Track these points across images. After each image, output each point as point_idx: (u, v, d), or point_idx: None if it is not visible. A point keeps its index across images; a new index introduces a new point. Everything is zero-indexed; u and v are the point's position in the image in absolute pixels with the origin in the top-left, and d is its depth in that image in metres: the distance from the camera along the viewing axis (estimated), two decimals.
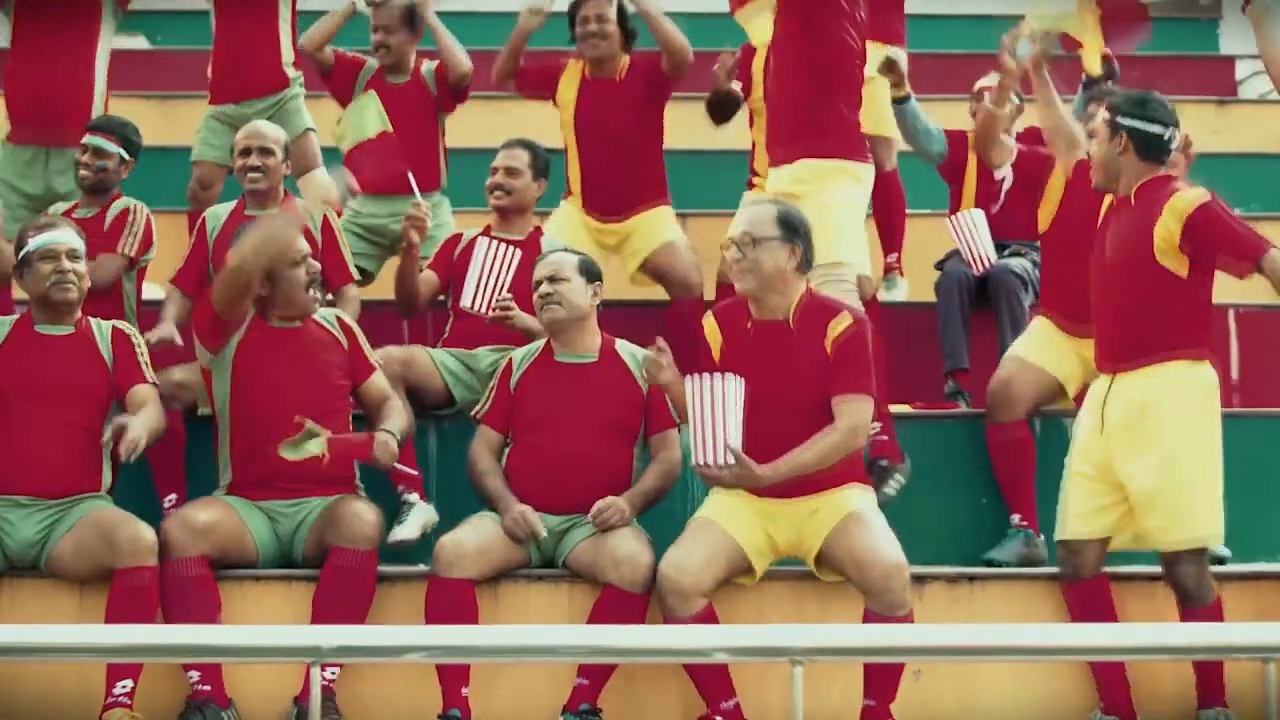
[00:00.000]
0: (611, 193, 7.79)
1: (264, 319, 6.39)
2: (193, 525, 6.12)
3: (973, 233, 7.93)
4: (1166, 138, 6.20)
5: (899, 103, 7.45)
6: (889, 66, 7.26)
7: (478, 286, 6.90)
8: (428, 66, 8.22)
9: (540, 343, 6.61)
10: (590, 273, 6.56)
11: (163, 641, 4.13)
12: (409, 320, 7.67)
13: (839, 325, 6.13)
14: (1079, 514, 6.23)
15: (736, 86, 7.72)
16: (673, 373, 6.11)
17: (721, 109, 7.80)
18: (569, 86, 7.90)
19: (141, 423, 6.08)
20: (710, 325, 6.32)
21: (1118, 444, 6.15)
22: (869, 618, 5.99)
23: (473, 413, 6.63)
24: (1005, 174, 7.21)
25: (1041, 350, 7.01)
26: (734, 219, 6.28)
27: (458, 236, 7.44)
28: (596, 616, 6.12)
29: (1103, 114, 6.30)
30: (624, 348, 6.55)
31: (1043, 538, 6.92)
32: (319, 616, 6.08)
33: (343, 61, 8.31)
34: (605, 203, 7.82)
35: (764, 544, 6.17)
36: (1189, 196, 6.08)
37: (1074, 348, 6.93)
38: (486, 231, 7.37)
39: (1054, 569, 6.47)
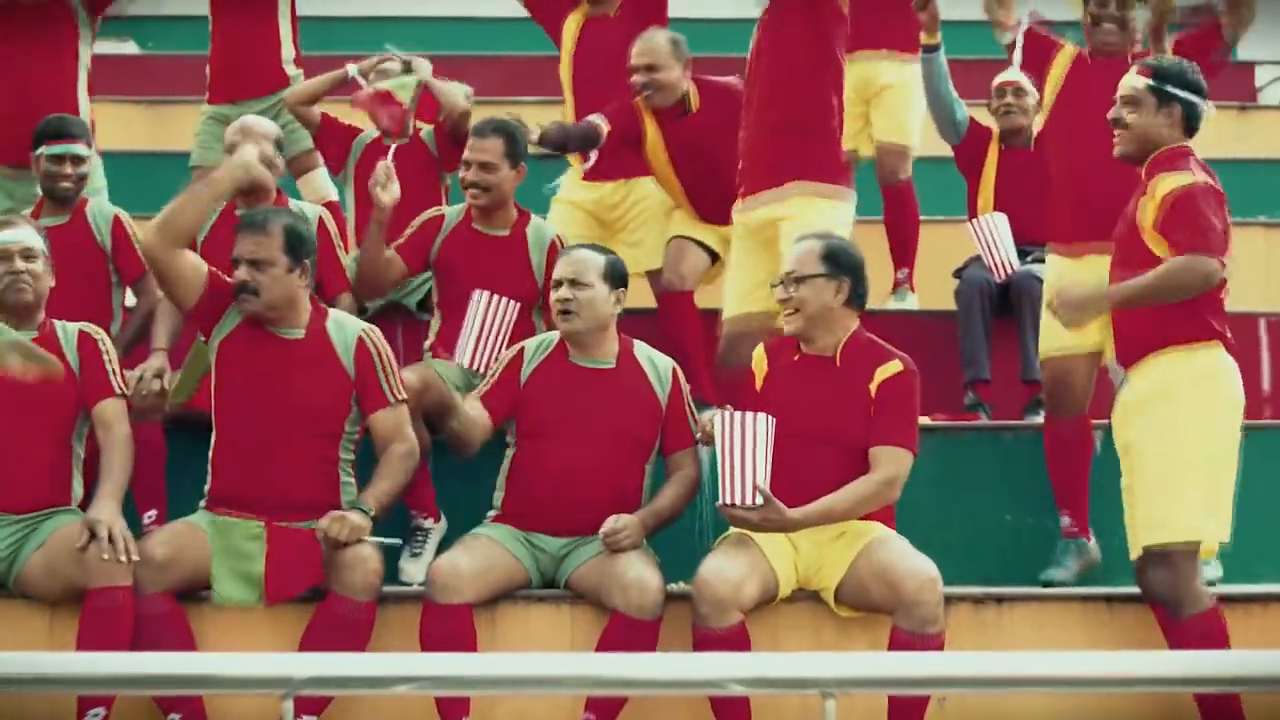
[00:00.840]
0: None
1: (259, 322, 5.88)
2: (151, 561, 5.66)
3: (995, 237, 7.60)
4: (1202, 110, 5.82)
5: (929, 50, 7.13)
6: (923, 5, 6.86)
7: (477, 344, 6.40)
8: (426, 130, 7.74)
9: (555, 336, 6.11)
10: (616, 276, 6.05)
11: (122, 672, 3.67)
12: (372, 298, 7.15)
13: (887, 370, 5.78)
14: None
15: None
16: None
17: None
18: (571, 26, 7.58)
19: (108, 510, 5.61)
20: (759, 356, 5.99)
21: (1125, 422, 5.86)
22: (897, 636, 5.57)
23: (473, 394, 6.10)
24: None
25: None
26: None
27: (438, 220, 6.85)
28: (604, 646, 5.68)
29: (1144, 80, 5.82)
30: (643, 353, 6.10)
31: (1094, 543, 6.50)
32: None
33: (332, 125, 7.81)
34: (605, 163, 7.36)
35: (792, 567, 5.78)
36: (1176, 180, 5.68)
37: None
38: (467, 220, 6.85)
39: (1084, 589, 6.16)
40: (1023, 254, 7.59)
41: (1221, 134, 9.43)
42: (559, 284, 5.99)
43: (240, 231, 5.89)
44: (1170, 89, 5.77)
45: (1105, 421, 6.38)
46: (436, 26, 11.81)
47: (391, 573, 6.09)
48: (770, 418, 5.53)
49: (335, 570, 5.65)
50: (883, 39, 8.05)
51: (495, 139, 6.76)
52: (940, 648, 5.54)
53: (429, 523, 6.43)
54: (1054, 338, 6.42)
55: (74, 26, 7.72)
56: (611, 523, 5.78)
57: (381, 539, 5.73)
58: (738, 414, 5.51)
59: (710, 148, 7.14)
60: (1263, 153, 10.14)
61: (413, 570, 6.31)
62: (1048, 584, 6.37)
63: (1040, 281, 7.39)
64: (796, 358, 5.89)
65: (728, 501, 5.54)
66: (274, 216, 5.93)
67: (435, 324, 6.86)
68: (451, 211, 6.88)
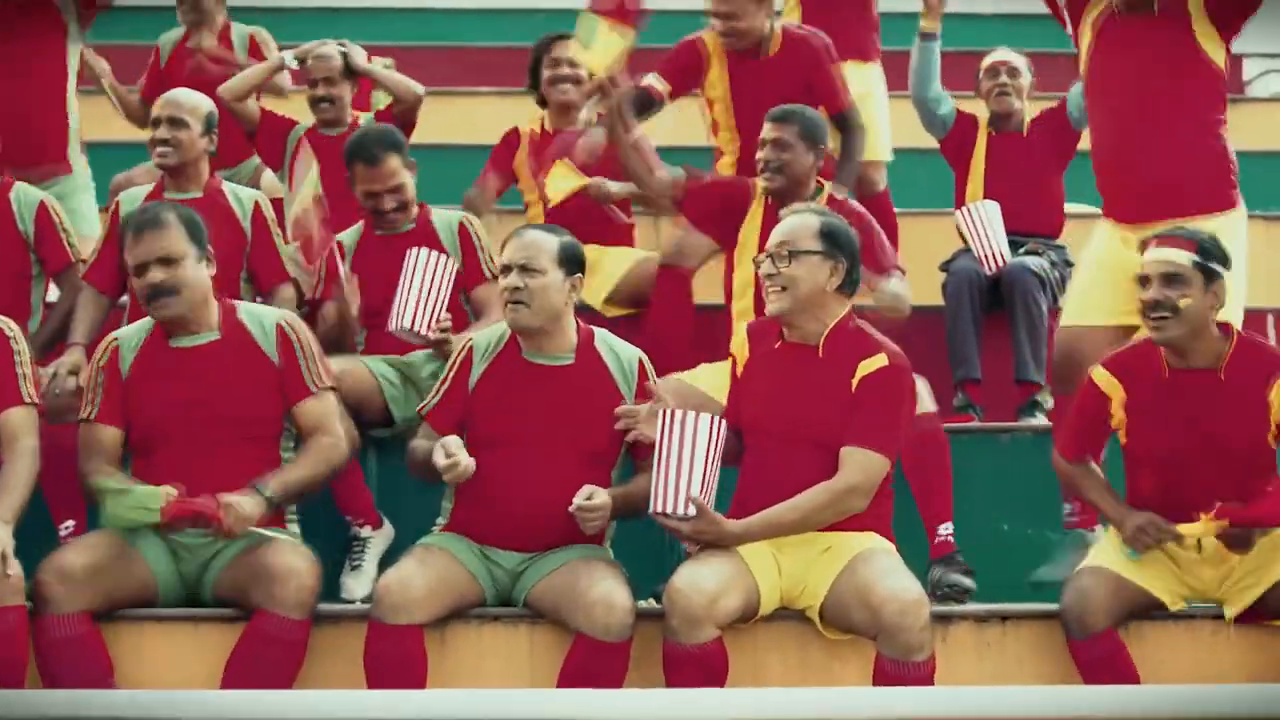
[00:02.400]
0: None
1: (167, 333, 5.26)
2: (70, 574, 4.99)
3: (985, 227, 7.07)
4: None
5: (926, 38, 6.76)
6: None
7: (417, 304, 5.78)
8: (366, 119, 7.24)
9: (506, 331, 5.38)
10: (571, 261, 5.31)
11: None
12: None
13: (872, 364, 5.13)
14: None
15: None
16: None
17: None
18: None
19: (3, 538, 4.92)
20: (739, 339, 5.37)
21: None
22: (880, 666, 4.94)
23: (419, 408, 5.46)
24: None
25: (1102, 293, 5.79)
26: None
27: (338, 248, 6.25)
28: (568, 674, 5.03)
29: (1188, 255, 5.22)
30: (605, 344, 5.38)
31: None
32: (231, 687, 4.95)
33: (270, 120, 7.24)
34: None
35: (776, 582, 5.14)
36: None
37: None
38: (368, 229, 6.31)
39: None
40: (1014, 244, 7.07)
41: None
42: (507, 269, 5.29)
43: (137, 232, 5.27)
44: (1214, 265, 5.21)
45: None
46: (390, 18, 11.28)
47: (330, 589, 5.41)
48: (717, 419, 4.97)
49: (263, 584, 5.00)
50: (839, 48, 7.33)
51: (393, 158, 6.26)
52: (929, 677, 4.91)
53: (367, 531, 5.79)
54: (1078, 311, 5.82)
55: (62, 27, 7.12)
56: (585, 494, 5.09)
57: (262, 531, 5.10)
58: (677, 413, 4.94)
59: (778, 93, 6.55)
60: (1254, 145, 9.43)
61: (354, 586, 5.67)
62: (1037, 585, 5.77)
63: (1033, 274, 6.99)
64: (778, 345, 5.25)
65: (659, 509, 4.97)
66: (164, 209, 5.32)
67: (360, 337, 6.24)
68: (347, 236, 6.32)
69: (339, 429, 5.29)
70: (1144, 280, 5.20)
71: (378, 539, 5.77)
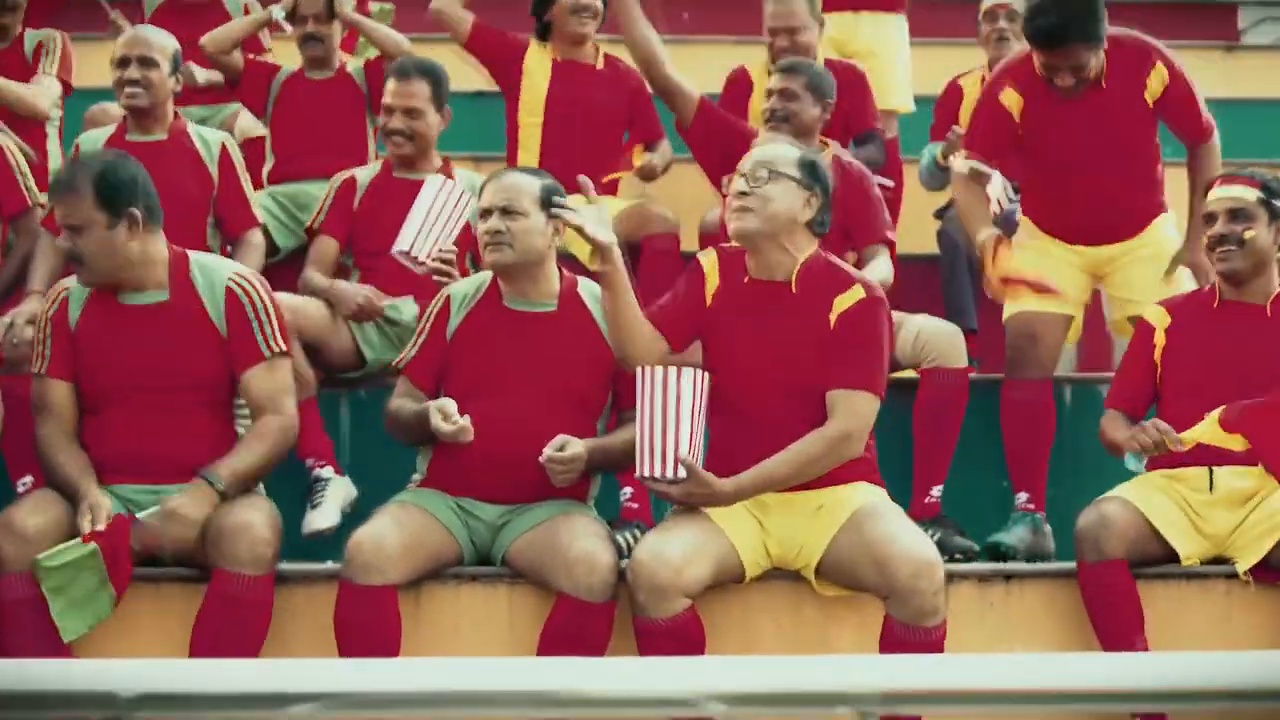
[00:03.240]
0: None
1: (108, 292, 4.91)
2: (22, 533, 4.67)
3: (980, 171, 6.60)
4: None
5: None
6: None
7: (420, 228, 5.42)
8: (355, 64, 6.87)
9: (486, 279, 5.08)
10: (553, 202, 4.99)
11: None
12: None
13: (849, 298, 4.75)
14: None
15: None
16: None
17: None
18: None
19: None
20: (710, 261, 4.92)
21: None
22: (890, 630, 4.63)
23: (394, 362, 5.14)
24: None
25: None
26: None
27: (350, 182, 5.94)
28: (549, 637, 4.72)
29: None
30: (589, 292, 5.05)
31: (1049, 528, 5.61)
32: (198, 655, 4.65)
33: (254, 67, 6.88)
34: None
35: (759, 545, 4.81)
36: None
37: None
38: (387, 169, 5.98)
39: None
40: (1015, 190, 6.57)
41: (1207, 75, 8.65)
42: (487, 213, 4.97)
43: (51, 194, 4.99)
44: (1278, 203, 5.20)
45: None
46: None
47: (292, 537, 5.09)
48: (702, 374, 4.62)
49: (216, 542, 4.68)
50: None
51: (421, 82, 5.89)
52: (939, 644, 4.60)
53: (328, 471, 5.46)
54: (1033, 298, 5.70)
55: None
56: (556, 444, 4.77)
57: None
58: (658, 370, 4.58)
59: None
60: (1250, 93, 9.32)
61: (316, 519, 5.33)
62: (995, 549, 5.47)
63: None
64: (746, 281, 4.85)
65: (645, 474, 4.62)
66: (81, 170, 4.92)
67: (353, 277, 5.91)
68: (363, 172, 6.00)
69: (291, 406, 4.93)
70: (1210, 217, 5.18)
71: (338, 482, 5.44)
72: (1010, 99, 5.66)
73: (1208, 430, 4.93)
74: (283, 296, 5.31)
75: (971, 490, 5.75)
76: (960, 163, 5.71)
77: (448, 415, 4.74)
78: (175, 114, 6.01)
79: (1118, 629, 4.90)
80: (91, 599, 4.61)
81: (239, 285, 4.91)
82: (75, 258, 4.85)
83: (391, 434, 5.02)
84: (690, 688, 2.67)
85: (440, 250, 5.44)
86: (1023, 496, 5.64)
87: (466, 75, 7.09)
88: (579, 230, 4.64)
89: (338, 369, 5.71)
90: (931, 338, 5.53)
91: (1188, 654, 4.45)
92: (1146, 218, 5.73)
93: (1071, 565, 5.01)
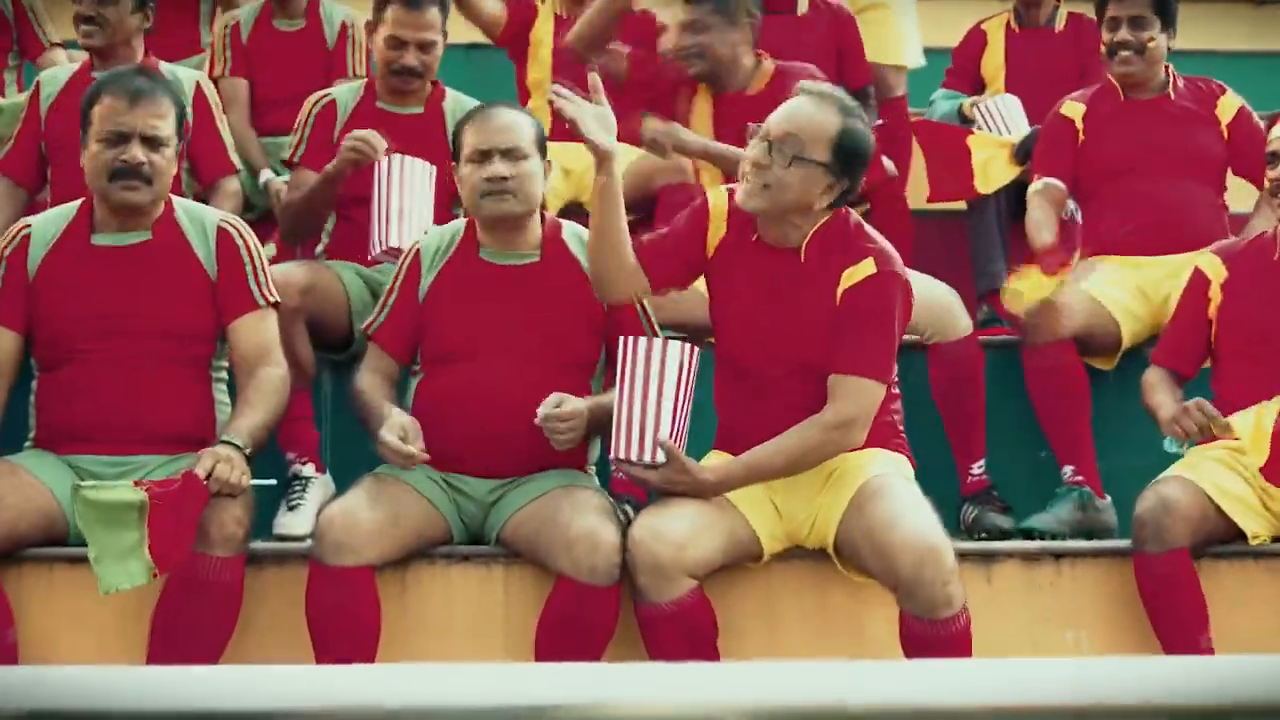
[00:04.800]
0: None
1: (88, 229, 4.34)
2: None
3: (1003, 121, 6.13)
4: None
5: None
6: None
7: (400, 220, 4.76)
8: (329, 9, 6.26)
9: (458, 230, 4.51)
10: (544, 144, 4.47)
11: None
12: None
13: (858, 272, 4.14)
14: None
15: None
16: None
17: None
18: None
19: None
20: (719, 205, 4.28)
21: None
22: (907, 624, 4.04)
23: (363, 327, 4.56)
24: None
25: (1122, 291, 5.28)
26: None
27: (331, 107, 5.24)
28: (548, 623, 4.15)
29: None
30: (574, 236, 4.48)
31: (1108, 499, 5.02)
32: (160, 645, 4.09)
33: None
34: None
35: (776, 519, 4.23)
36: None
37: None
38: (369, 95, 5.28)
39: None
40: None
41: (1235, 30, 8.54)
42: (487, 155, 4.38)
43: (132, 98, 4.30)
44: None
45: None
46: None
47: (263, 528, 4.49)
48: (691, 348, 4.04)
49: None
50: None
51: (434, 9, 5.23)
52: (964, 634, 4.00)
53: (309, 469, 4.85)
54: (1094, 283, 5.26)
55: None
56: (553, 401, 4.18)
57: (256, 480, 4.14)
58: (640, 340, 4.01)
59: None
60: (1278, 46, 8.75)
61: (291, 523, 4.74)
62: (1028, 534, 4.88)
63: None
64: (754, 238, 4.25)
65: (621, 455, 4.05)
66: (161, 85, 4.39)
67: (328, 225, 5.27)
68: (341, 93, 5.32)
69: (283, 358, 4.37)
70: (1273, 157, 4.72)
71: (319, 482, 4.85)
72: (1071, 109, 5.50)
73: (1258, 433, 4.37)
74: (294, 269, 4.81)
75: (1014, 469, 5.19)
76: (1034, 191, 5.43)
77: (400, 442, 4.12)
78: (145, 51, 5.45)
79: (1180, 627, 4.34)
80: (131, 556, 3.93)
81: (233, 227, 4.38)
82: (140, 175, 4.25)
83: (356, 412, 4.43)
84: (707, 700, 2.09)
85: (425, 231, 4.80)
86: (1068, 470, 5.08)
87: (459, 28, 6.53)
88: (574, 125, 4.07)
89: (324, 345, 5.08)
90: (923, 313, 4.80)
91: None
92: (1208, 237, 5.15)
93: (1127, 543, 4.43)
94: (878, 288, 4.14)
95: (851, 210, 4.26)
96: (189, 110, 5.21)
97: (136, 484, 3.96)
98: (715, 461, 4.19)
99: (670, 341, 4.03)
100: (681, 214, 4.36)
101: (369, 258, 4.86)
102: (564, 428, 4.16)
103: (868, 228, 4.25)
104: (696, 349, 4.06)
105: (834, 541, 4.16)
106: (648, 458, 4.03)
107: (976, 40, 6.68)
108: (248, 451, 4.12)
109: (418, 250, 4.46)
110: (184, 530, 3.94)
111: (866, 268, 4.14)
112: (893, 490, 4.10)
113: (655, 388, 4.00)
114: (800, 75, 5.14)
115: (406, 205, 4.78)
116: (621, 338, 4.06)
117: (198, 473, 3.98)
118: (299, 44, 6.15)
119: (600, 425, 4.26)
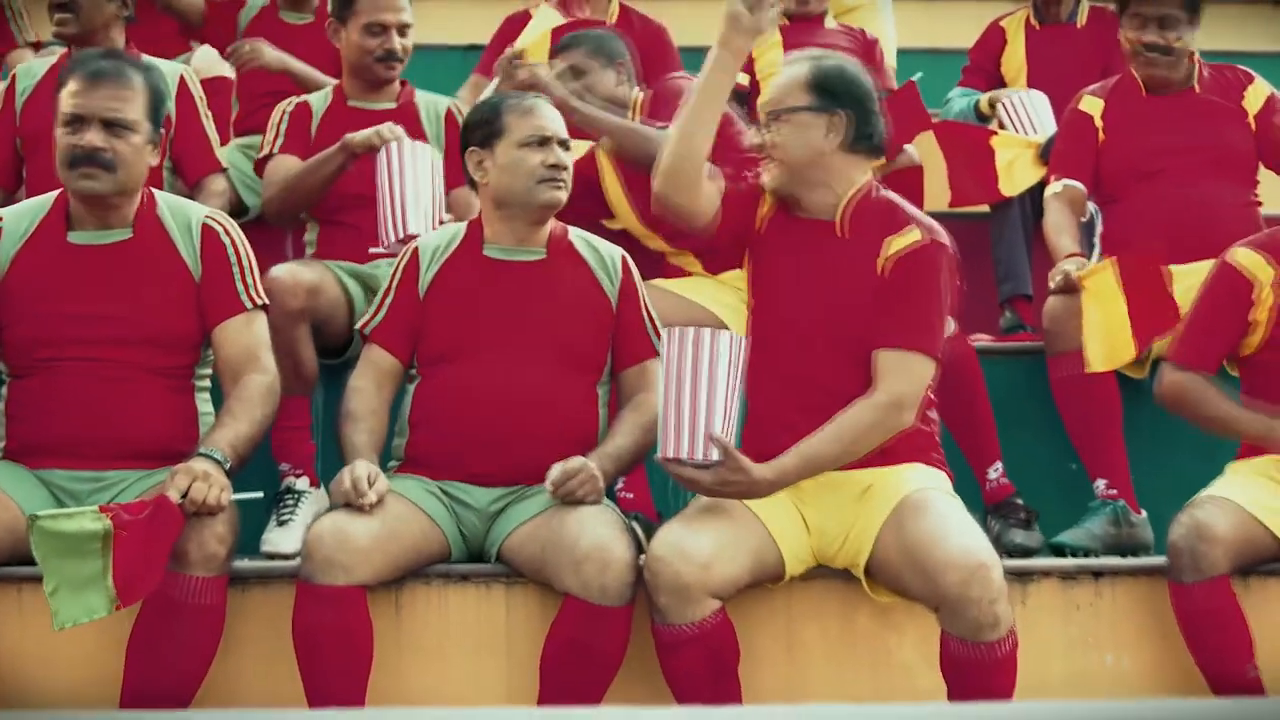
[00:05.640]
0: None
1: (64, 225, 4.04)
2: None
3: (1030, 119, 5.90)
4: None
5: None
6: None
7: (416, 207, 4.50)
8: None
9: (460, 228, 4.23)
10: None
11: None
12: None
13: (902, 240, 3.91)
14: None
15: None
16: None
17: None
18: None
19: None
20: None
21: None
22: (948, 647, 3.76)
23: (360, 325, 4.25)
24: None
25: None
26: None
27: (304, 109, 5.02)
28: (554, 648, 3.84)
29: None
30: (582, 239, 4.23)
31: (1144, 514, 4.72)
32: (136, 671, 3.79)
33: (216, 9, 6.09)
34: None
35: (802, 536, 3.94)
36: None
37: None
38: (339, 96, 5.06)
39: None
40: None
41: (1255, 32, 8.15)
42: (545, 141, 4.14)
43: (93, 78, 4.00)
44: None
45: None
46: None
47: (249, 542, 4.19)
48: (738, 338, 3.76)
49: None
50: None
51: None
52: (1010, 659, 3.73)
53: (303, 483, 4.55)
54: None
55: None
56: (560, 469, 3.92)
57: (240, 494, 3.82)
58: (688, 331, 3.71)
59: None
60: None
61: (280, 540, 4.43)
62: (1058, 550, 4.61)
63: None
64: (794, 215, 4.03)
65: (670, 454, 3.74)
66: (132, 65, 4.07)
67: (311, 233, 5.02)
68: (311, 97, 5.12)
69: (272, 363, 4.06)
70: None
71: (313, 497, 4.56)
72: (1090, 104, 5.19)
73: None
74: (299, 269, 4.54)
75: (1042, 480, 4.91)
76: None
77: (361, 490, 3.84)
78: (127, 42, 5.19)
79: (1223, 660, 4.03)
80: (90, 587, 3.62)
81: (218, 223, 4.08)
82: (98, 161, 3.94)
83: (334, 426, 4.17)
84: None
85: (441, 220, 4.57)
86: (1101, 484, 4.78)
87: (457, 29, 6.31)
88: None
89: (321, 352, 4.80)
90: None
91: None
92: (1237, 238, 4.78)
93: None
94: (925, 257, 3.92)
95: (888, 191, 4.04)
96: (171, 103, 4.95)
97: (103, 509, 3.64)
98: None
99: (719, 334, 3.74)
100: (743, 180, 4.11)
101: (382, 248, 4.57)
102: (576, 483, 3.90)
103: (906, 203, 4.03)
104: (744, 341, 3.79)
105: (868, 559, 3.87)
106: (699, 455, 3.72)
107: (995, 38, 6.44)
108: (228, 466, 3.81)
109: (415, 248, 4.19)
110: (154, 559, 3.64)
111: (912, 235, 3.93)
112: (935, 505, 3.84)
113: (706, 382, 3.70)
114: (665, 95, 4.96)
115: (418, 190, 4.53)
116: (665, 329, 3.78)
117: (172, 494, 3.68)
118: (305, 38, 5.89)
119: (613, 477, 4.04)
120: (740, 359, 3.75)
